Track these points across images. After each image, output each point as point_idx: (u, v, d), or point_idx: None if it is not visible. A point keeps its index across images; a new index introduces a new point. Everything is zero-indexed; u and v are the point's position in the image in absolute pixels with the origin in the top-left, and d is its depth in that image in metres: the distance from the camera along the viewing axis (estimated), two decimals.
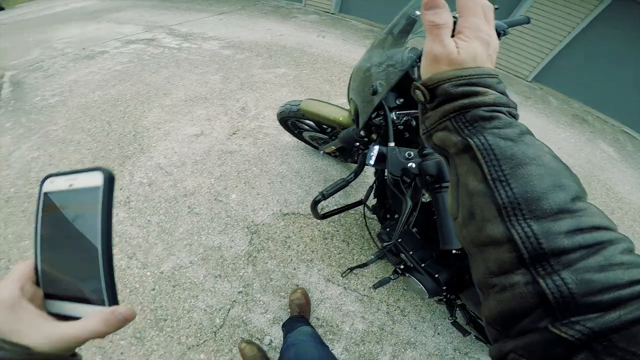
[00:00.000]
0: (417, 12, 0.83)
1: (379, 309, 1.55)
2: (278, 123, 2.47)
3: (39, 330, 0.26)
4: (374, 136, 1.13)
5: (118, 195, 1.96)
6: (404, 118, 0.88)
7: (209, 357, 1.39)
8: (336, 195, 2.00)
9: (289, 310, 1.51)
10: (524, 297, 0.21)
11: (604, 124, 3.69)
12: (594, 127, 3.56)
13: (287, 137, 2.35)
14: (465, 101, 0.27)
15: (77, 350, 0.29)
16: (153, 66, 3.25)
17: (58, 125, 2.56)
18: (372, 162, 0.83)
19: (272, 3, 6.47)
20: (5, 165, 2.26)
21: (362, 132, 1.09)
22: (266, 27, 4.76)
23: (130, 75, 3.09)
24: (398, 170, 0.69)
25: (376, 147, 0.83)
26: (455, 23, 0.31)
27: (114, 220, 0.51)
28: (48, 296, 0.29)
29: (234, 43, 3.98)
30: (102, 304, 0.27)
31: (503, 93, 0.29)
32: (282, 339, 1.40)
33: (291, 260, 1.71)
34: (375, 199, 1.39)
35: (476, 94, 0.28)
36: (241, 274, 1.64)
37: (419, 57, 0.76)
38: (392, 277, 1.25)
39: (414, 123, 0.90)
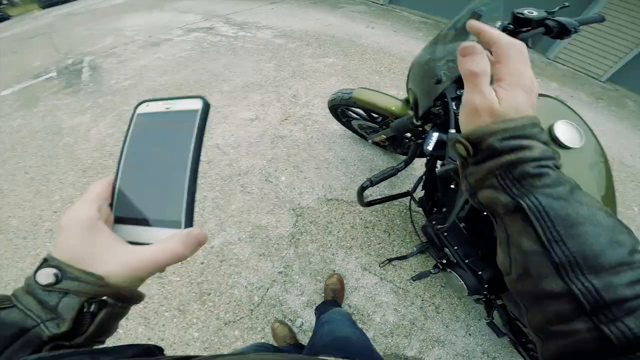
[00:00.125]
0: (483, 8, 0.85)
1: (413, 303, 1.53)
2: (327, 111, 2.57)
3: (115, 255, 0.25)
4: (427, 128, 1.16)
5: None
6: None
7: (243, 334, 1.44)
8: (381, 186, 2.03)
9: (323, 294, 1.54)
10: (587, 342, 0.22)
11: None
12: None
13: (335, 125, 2.42)
14: (512, 157, 0.26)
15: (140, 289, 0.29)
16: (212, 54, 3.48)
17: (131, 106, 2.84)
18: (430, 147, 0.86)
19: None
20: (85, 140, 2.60)
21: (417, 121, 1.12)
22: (315, 16, 4.81)
23: (193, 62, 3.34)
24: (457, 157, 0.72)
25: (435, 134, 0.87)
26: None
27: None
28: (117, 220, 0.28)
29: (285, 32, 4.10)
30: (177, 226, 0.26)
31: (546, 142, 0.27)
32: (312, 323, 1.46)
33: (331, 245, 1.74)
34: (423, 192, 1.39)
35: (522, 148, 0.26)
36: (283, 254, 1.71)
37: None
38: (432, 271, 1.24)
39: None
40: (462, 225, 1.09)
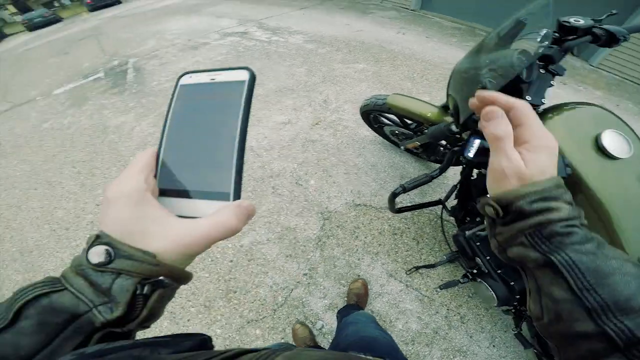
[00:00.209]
0: (528, 17, 0.85)
1: (437, 312, 1.51)
2: (357, 116, 2.59)
3: (167, 229, 0.24)
4: (464, 135, 1.16)
5: None
6: None
7: (264, 333, 1.45)
8: (411, 193, 2.02)
9: (345, 298, 1.53)
10: None
11: None
12: None
13: (366, 131, 2.44)
14: (541, 218, 0.28)
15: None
16: (247, 58, 3.62)
17: None
18: (471, 154, 0.85)
19: None
20: (128, 138, 2.79)
21: (455, 128, 1.12)
22: (344, 22, 4.86)
23: (229, 65, 3.49)
24: None
25: (477, 141, 0.85)
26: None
27: None
28: (161, 193, 0.27)
29: (316, 37, 4.18)
30: (225, 199, 0.25)
31: (570, 202, 0.29)
32: (332, 326, 1.46)
33: (357, 250, 1.74)
34: (456, 200, 1.37)
35: (550, 210, 0.28)
36: (309, 256, 1.72)
37: (531, 62, 0.78)
38: (461, 280, 1.22)
39: None
40: None
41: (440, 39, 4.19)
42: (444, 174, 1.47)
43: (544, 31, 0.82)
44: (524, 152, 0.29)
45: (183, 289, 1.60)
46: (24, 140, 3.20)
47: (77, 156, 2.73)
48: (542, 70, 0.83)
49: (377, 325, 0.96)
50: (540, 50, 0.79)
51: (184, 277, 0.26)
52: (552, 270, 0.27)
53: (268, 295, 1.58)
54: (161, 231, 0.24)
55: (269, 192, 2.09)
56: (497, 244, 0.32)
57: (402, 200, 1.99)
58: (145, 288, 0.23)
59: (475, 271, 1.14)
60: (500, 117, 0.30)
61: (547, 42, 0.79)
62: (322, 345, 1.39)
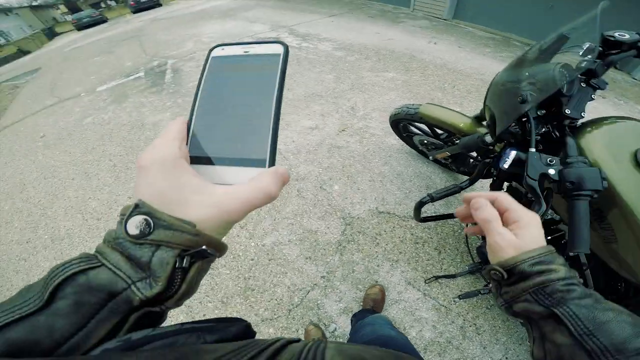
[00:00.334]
0: (571, 32, 0.85)
1: (453, 322, 1.49)
2: (384, 125, 2.61)
3: (206, 197, 0.23)
4: (497, 148, 1.14)
5: None
6: (543, 129, 0.90)
7: (277, 333, 1.46)
8: (436, 203, 2.00)
9: (361, 303, 1.54)
10: None
11: None
12: None
13: (393, 140, 2.44)
14: (543, 278, 0.33)
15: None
16: None
17: None
18: (506, 165, 0.85)
19: (377, 7, 6.57)
20: None
21: (489, 140, 1.12)
22: (374, 30, 4.88)
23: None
24: (537, 174, 0.71)
25: (513, 152, 0.85)
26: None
27: None
28: (193, 161, 0.27)
29: (345, 45, 4.23)
30: (261, 165, 0.25)
31: (565, 265, 0.35)
32: (345, 330, 1.46)
33: (377, 256, 1.73)
34: None
35: (549, 271, 0.33)
36: (328, 260, 1.73)
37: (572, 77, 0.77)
38: (482, 291, 1.20)
39: (556, 134, 0.91)
40: None
41: (473, 49, 4.11)
42: (471, 186, 1.46)
43: (588, 45, 0.82)
44: (515, 229, 0.36)
45: (203, 283, 1.66)
46: (67, 133, 3.44)
47: (115, 150, 2.90)
48: (583, 84, 0.83)
49: (393, 327, 0.97)
50: (584, 65, 0.79)
51: (222, 248, 0.25)
52: (555, 320, 0.32)
53: (285, 295, 1.60)
54: (200, 199, 0.23)
55: (294, 195, 2.13)
56: (504, 302, 0.37)
57: (427, 210, 1.96)
58: (185, 260, 0.22)
59: None
60: (485, 205, 0.38)
61: (590, 56, 0.79)
62: None
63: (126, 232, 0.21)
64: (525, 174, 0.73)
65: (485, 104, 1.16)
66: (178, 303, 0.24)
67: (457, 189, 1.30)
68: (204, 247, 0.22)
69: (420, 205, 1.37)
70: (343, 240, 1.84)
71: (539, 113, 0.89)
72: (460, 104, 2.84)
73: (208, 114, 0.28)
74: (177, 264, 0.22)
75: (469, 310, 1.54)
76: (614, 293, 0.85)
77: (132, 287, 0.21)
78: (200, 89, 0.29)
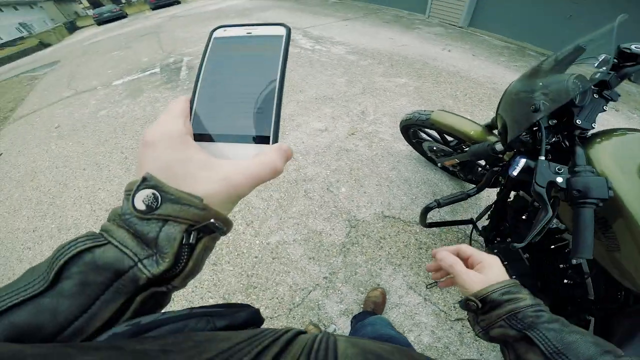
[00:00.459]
0: (587, 44, 0.84)
1: (452, 327, 1.50)
2: (393, 130, 2.61)
3: (210, 172, 0.23)
4: (506, 157, 1.14)
5: None
6: (554, 138, 0.90)
7: None
8: (442, 210, 2.00)
9: (362, 305, 1.55)
10: None
11: None
12: None
13: (402, 146, 2.44)
14: (513, 305, 0.39)
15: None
16: (292, 64, 3.75)
17: None
18: (515, 173, 0.87)
19: (392, 12, 6.58)
20: None
21: (499, 147, 1.12)
22: (388, 36, 4.88)
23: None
24: (545, 182, 0.73)
25: (523, 160, 0.86)
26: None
27: None
28: (197, 138, 0.27)
29: (358, 49, 4.24)
30: (265, 142, 0.26)
31: (530, 294, 0.41)
32: (344, 331, 1.47)
33: (380, 260, 1.74)
34: (488, 221, 1.37)
35: (517, 299, 0.39)
36: (331, 261, 1.74)
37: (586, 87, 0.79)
38: None
39: (566, 144, 0.91)
40: (525, 256, 1.10)
41: (487, 57, 4.09)
42: (477, 194, 1.46)
43: (603, 56, 0.82)
44: (480, 269, 0.44)
45: (206, 279, 1.69)
46: (81, 124, 3.52)
47: (127, 143, 2.95)
48: (595, 95, 0.83)
49: (393, 327, 0.98)
50: (597, 76, 0.79)
51: (228, 223, 0.25)
52: (527, 342, 0.36)
53: (286, 294, 1.61)
54: (207, 174, 0.23)
55: (301, 195, 2.15)
56: (481, 329, 0.43)
57: (432, 216, 1.96)
58: (192, 236, 0.22)
59: None
60: (448, 254, 0.47)
61: (605, 68, 0.79)
62: None
63: (133, 206, 0.21)
64: (533, 181, 0.75)
65: (498, 112, 1.17)
66: (184, 282, 0.23)
67: (464, 196, 1.32)
68: (211, 220, 0.22)
69: (426, 210, 1.40)
70: (347, 242, 1.85)
71: (550, 123, 0.90)
72: (472, 112, 2.82)
73: (211, 93, 0.28)
74: (184, 239, 0.22)
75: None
76: (615, 301, 0.85)
77: (139, 264, 0.20)
78: (203, 68, 0.29)
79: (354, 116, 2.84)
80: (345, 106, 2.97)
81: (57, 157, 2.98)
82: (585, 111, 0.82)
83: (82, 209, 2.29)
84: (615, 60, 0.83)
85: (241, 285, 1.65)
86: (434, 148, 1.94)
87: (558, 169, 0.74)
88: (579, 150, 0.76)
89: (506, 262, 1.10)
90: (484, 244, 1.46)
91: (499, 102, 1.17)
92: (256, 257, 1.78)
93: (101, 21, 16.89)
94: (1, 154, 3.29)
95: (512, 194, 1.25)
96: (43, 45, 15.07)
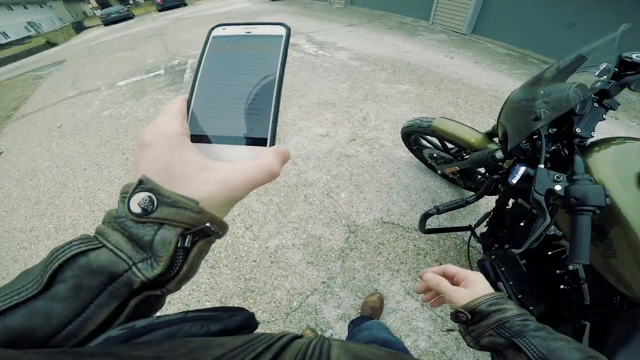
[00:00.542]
0: (590, 51, 0.85)
1: (448, 333, 1.50)
2: (394, 137, 2.61)
3: (207, 174, 0.23)
4: (505, 165, 1.15)
5: None
6: (553, 147, 0.90)
7: None
8: (440, 217, 2.00)
9: (359, 310, 1.55)
10: None
11: None
12: None
13: (402, 152, 2.44)
14: (500, 315, 0.42)
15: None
16: (295, 69, 3.78)
17: None
18: (514, 180, 0.88)
19: (396, 19, 6.62)
20: None
21: (499, 155, 1.13)
22: (391, 42, 4.91)
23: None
24: (544, 189, 0.75)
25: (522, 167, 0.88)
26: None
27: None
28: (193, 139, 0.26)
29: (361, 55, 4.26)
30: (262, 144, 0.26)
31: (515, 305, 0.44)
32: (341, 336, 1.46)
33: (378, 265, 1.74)
34: (487, 227, 1.38)
35: (504, 309, 0.42)
36: (330, 266, 1.74)
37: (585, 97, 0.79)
38: None
39: (565, 152, 0.92)
40: (523, 262, 1.11)
41: (489, 64, 4.10)
42: (476, 202, 1.47)
43: (604, 65, 0.83)
44: (466, 285, 0.48)
45: (203, 282, 1.68)
46: (84, 124, 3.53)
47: (128, 144, 2.96)
48: (595, 104, 0.84)
49: (389, 332, 0.99)
50: (598, 85, 0.80)
51: (224, 227, 0.25)
52: (515, 349, 0.39)
53: (284, 298, 1.60)
54: (204, 176, 0.23)
55: (301, 200, 2.15)
56: (472, 338, 0.45)
57: (431, 223, 1.96)
58: (187, 239, 0.22)
59: None
60: (434, 274, 0.51)
61: (605, 77, 0.80)
62: None
63: (129, 209, 0.21)
64: (532, 189, 0.76)
65: (499, 120, 1.18)
66: (178, 286, 0.23)
67: (464, 203, 1.33)
68: (207, 224, 0.22)
69: (426, 216, 1.41)
70: (346, 247, 1.85)
71: (550, 131, 0.91)
72: (472, 119, 2.83)
73: (208, 93, 0.28)
74: (179, 243, 0.21)
75: None
76: (610, 306, 0.85)
77: (133, 268, 0.20)
78: (201, 68, 0.28)
79: (356, 122, 2.84)
80: (347, 112, 2.98)
81: (57, 157, 2.99)
82: (585, 120, 0.83)
83: (80, 210, 2.29)
84: (616, 69, 0.83)
85: (239, 289, 1.65)
86: (435, 155, 1.94)
87: (557, 177, 0.76)
88: (578, 158, 0.77)
89: (504, 268, 1.11)
90: (482, 251, 1.46)
91: (500, 111, 1.18)
92: (254, 261, 1.78)
93: (108, 22, 17.08)
94: (2, 152, 3.30)
95: (511, 201, 1.26)
96: (50, 44, 15.22)
